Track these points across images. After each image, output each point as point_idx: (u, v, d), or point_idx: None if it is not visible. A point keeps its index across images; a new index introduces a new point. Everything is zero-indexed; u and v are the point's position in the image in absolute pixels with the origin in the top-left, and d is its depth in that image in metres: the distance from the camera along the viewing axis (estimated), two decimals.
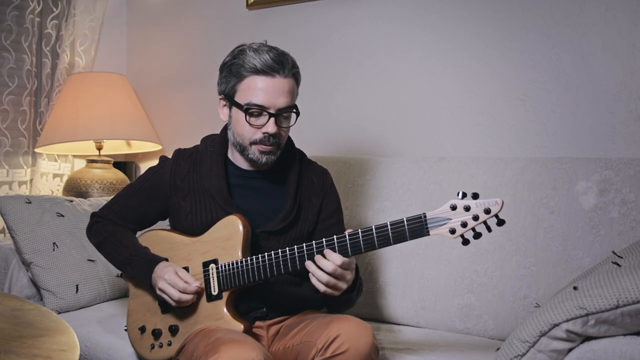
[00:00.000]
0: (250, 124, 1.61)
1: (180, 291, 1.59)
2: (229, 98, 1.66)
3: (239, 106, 1.62)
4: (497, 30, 2.22)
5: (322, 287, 1.49)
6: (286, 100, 1.61)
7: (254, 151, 1.64)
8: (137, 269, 1.69)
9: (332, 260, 1.48)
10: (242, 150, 1.66)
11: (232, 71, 1.63)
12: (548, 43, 2.12)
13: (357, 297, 1.66)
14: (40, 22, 2.85)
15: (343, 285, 1.51)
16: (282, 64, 1.60)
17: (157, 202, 1.76)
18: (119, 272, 1.88)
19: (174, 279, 1.60)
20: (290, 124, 1.68)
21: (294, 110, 1.65)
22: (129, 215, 1.79)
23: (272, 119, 1.60)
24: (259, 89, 1.59)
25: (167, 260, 1.68)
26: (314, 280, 1.50)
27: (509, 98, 2.20)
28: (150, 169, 1.79)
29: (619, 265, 1.38)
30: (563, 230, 1.82)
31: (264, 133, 1.61)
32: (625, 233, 1.73)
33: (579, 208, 1.81)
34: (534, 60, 2.15)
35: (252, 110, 1.60)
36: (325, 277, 1.48)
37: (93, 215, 1.84)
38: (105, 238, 1.77)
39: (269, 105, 1.60)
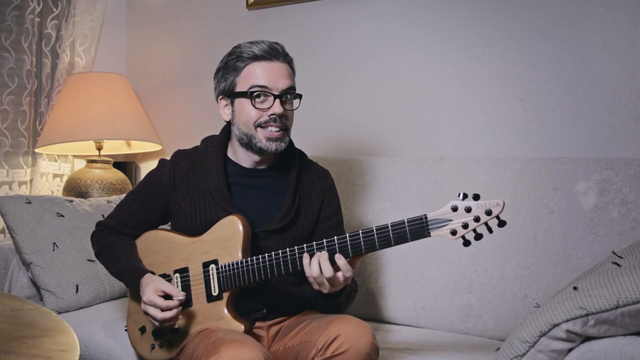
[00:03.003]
0: (256, 108, 1.62)
1: (162, 309, 1.55)
2: (230, 94, 1.67)
3: (242, 94, 1.64)
4: (497, 30, 2.22)
5: (307, 274, 1.51)
6: (287, 82, 1.64)
7: (261, 139, 1.64)
8: (128, 281, 1.70)
9: (340, 265, 1.48)
10: (249, 141, 1.65)
11: (229, 67, 1.67)
12: (548, 43, 2.12)
13: (347, 304, 1.67)
14: (40, 22, 2.85)
15: (325, 290, 1.52)
16: (277, 50, 1.64)
17: (157, 204, 1.75)
18: None
19: (153, 299, 1.55)
20: (295, 107, 1.68)
21: (296, 93, 1.67)
22: (131, 221, 1.78)
23: (277, 100, 1.62)
24: (260, 73, 1.63)
25: (153, 273, 1.67)
26: (304, 265, 1.52)
27: (509, 98, 2.20)
28: (150, 173, 1.79)
29: (619, 265, 1.38)
30: (563, 230, 1.82)
31: (270, 115, 1.62)
32: (625, 233, 1.73)
33: (579, 208, 1.81)
34: (534, 60, 2.15)
35: (256, 93, 1.62)
36: (316, 272, 1.49)
37: (97, 224, 1.83)
38: (101, 248, 1.78)
39: (272, 86, 1.62)
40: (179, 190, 1.71)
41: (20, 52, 2.79)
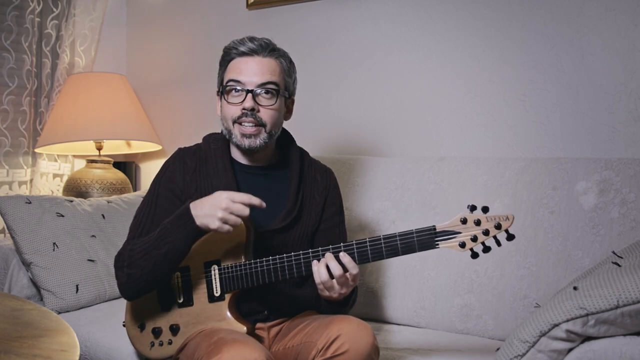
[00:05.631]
0: (228, 102, 1.63)
1: (245, 204, 1.48)
2: (218, 90, 1.70)
3: (222, 89, 1.66)
4: (497, 30, 2.22)
5: (317, 280, 1.51)
6: (264, 76, 1.63)
7: (237, 134, 1.64)
8: (174, 232, 1.53)
9: (345, 263, 1.48)
10: (229, 137, 1.67)
11: (220, 65, 1.70)
12: (548, 43, 2.12)
13: (349, 309, 1.67)
14: (40, 22, 2.85)
15: (335, 294, 1.52)
16: (261, 47, 1.64)
17: (179, 203, 1.67)
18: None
19: (238, 193, 1.48)
20: (273, 104, 1.64)
21: (275, 88, 1.64)
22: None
23: (250, 95, 1.61)
24: (238, 68, 1.64)
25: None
26: (314, 271, 1.51)
27: (509, 98, 2.20)
28: (158, 177, 1.71)
29: (619, 265, 1.38)
30: (563, 230, 1.82)
31: (242, 110, 1.62)
32: (625, 233, 1.73)
33: (579, 208, 1.81)
34: (534, 60, 2.15)
35: (229, 87, 1.63)
36: (325, 277, 1.49)
37: (116, 255, 1.64)
38: (130, 252, 1.58)
39: (246, 80, 1.62)
40: (188, 188, 1.69)
41: (20, 52, 2.79)
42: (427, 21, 2.36)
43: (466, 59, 2.28)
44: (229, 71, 1.66)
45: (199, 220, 1.51)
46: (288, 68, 1.69)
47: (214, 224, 1.49)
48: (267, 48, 1.65)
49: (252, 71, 1.62)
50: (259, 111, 1.63)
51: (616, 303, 1.22)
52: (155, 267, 1.56)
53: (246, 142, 1.63)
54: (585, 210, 1.80)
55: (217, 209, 1.48)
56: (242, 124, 1.62)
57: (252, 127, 1.62)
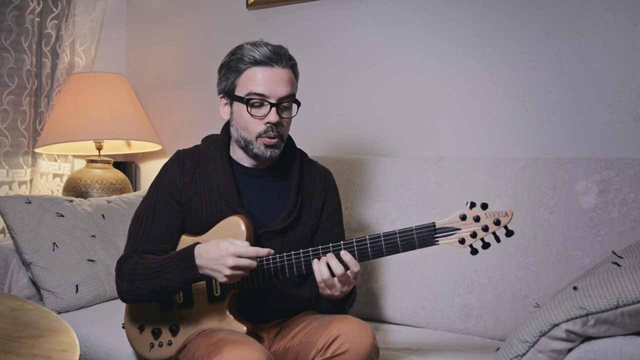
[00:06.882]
0: (251, 115, 1.61)
1: (252, 257, 1.48)
2: (229, 94, 1.66)
3: (240, 99, 1.62)
4: (497, 30, 2.22)
5: (318, 278, 1.51)
6: (286, 89, 1.61)
7: (259, 145, 1.63)
8: (175, 272, 1.53)
9: (346, 261, 1.48)
10: (247, 145, 1.65)
11: (230, 67, 1.64)
12: (548, 43, 2.12)
13: (349, 307, 1.66)
14: (40, 22, 2.85)
15: (336, 292, 1.52)
16: (279, 55, 1.61)
17: (176, 208, 1.67)
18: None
19: (244, 248, 1.46)
20: (292, 115, 1.67)
21: (295, 100, 1.65)
22: (160, 236, 1.65)
23: (274, 109, 1.60)
24: (259, 79, 1.60)
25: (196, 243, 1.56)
26: (315, 270, 1.51)
27: (509, 98, 2.20)
28: (158, 180, 1.71)
29: (619, 265, 1.38)
30: (563, 230, 1.82)
31: (266, 124, 1.61)
32: (625, 233, 1.74)
33: (579, 208, 1.81)
34: (534, 60, 2.15)
35: (253, 101, 1.60)
36: (326, 275, 1.49)
37: (118, 262, 1.65)
38: (132, 271, 1.59)
39: (269, 94, 1.60)
40: (188, 190, 1.68)
41: (20, 52, 2.79)
42: (427, 21, 2.36)
43: (466, 59, 2.28)
44: (246, 81, 1.61)
45: (203, 271, 1.51)
46: (297, 75, 1.69)
47: (222, 279, 1.49)
48: (284, 57, 1.62)
49: (274, 84, 1.60)
50: (282, 125, 1.63)
51: (616, 303, 1.22)
52: (154, 293, 1.58)
53: (268, 152, 1.63)
54: (585, 210, 1.80)
55: (224, 267, 1.47)
56: (265, 137, 1.62)
57: (274, 138, 1.62)
